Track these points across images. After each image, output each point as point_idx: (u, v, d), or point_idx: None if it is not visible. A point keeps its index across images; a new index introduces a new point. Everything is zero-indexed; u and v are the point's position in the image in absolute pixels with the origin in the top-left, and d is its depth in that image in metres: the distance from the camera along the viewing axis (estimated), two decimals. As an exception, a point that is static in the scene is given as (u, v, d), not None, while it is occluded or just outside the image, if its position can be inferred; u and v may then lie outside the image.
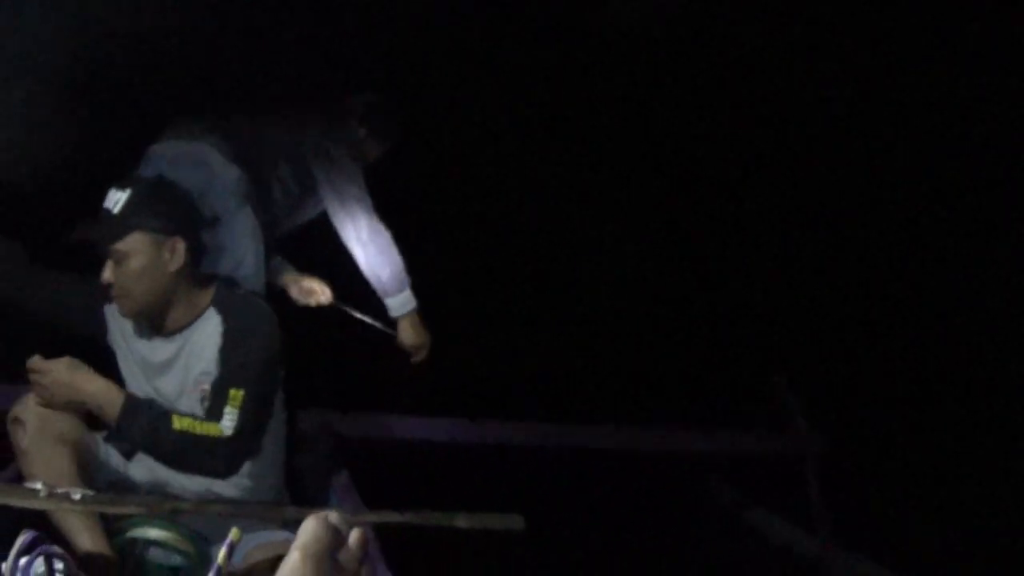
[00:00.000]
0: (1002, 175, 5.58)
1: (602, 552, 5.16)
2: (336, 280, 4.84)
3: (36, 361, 3.31)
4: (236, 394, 3.36)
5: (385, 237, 4.57)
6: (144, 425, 3.30)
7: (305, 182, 4.62)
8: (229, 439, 3.33)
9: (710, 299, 6.78)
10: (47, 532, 2.97)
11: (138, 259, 3.42)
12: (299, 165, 4.58)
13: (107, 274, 3.42)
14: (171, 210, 3.52)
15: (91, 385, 3.33)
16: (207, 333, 3.51)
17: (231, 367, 3.42)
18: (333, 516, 1.23)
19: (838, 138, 6.17)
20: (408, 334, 4.71)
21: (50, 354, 3.38)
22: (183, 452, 3.32)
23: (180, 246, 3.47)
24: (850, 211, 6.32)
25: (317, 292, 4.89)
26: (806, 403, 5.90)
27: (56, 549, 2.66)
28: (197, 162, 4.23)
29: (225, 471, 3.43)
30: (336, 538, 1.21)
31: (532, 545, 3.13)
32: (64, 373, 3.27)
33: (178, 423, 3.30)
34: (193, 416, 3.36)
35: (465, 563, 4.03)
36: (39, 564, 2.57)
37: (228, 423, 3.33)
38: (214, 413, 3.36)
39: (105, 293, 3.52)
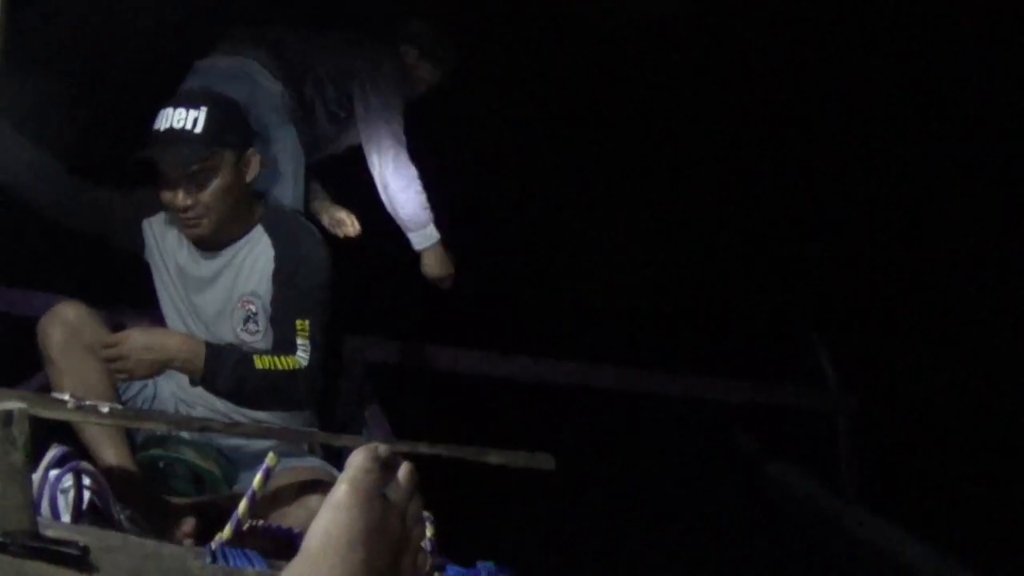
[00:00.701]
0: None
1: (623, 493, 5.15)
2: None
3: (107, 338, 3.19)
4: (303, 324, 3.32)
5: (410, 173, 4.53)
6: (229, 370, 3.22)
7: (349, 107, 4.57)
8: (307, 369, 3.29)
9: (750, 250, 6.74)
10: (74, 444, 2.97)
11: (224, 177, 3.34)
12: (344, 88, 4.53)
13: (183, 198, 3.32)
14: (242, 123, 3.47)
15: (172, 341, 3.23)
16: (255, 253, 3.46)
17: (290, 295, 3.38)
18: (383, 448, 1.19)
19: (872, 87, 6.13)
20: (430, 267, 4.69)
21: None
22: (268, 391, 3.27)
23: (255, 158, 3.43)
24: (892, 165, 6.26)
25: (347, 224, 4.86)
26: (840, 361, 5.87)
27: (86, 465, 2.62)
28: (241, 75, 4.20)
29: (306, 402, 3.43)
30: (385, 472, 1.17)
31: (557, 482, 3.07)
32: (140, 339, 3.16)
33: (259, 362, 3.23)
34: (270, 353, 3.30)
35: (489, 498, 4.01)
36: (68, 479, 2.53)
37: (303, 354, 3.29)
38: (285, 346, 3.31)
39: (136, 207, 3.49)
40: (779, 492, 5.94)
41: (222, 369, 3.20)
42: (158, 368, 3.21)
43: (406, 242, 4.66)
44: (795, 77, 6.28)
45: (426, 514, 1.57)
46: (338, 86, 4.55)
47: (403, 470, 1.20)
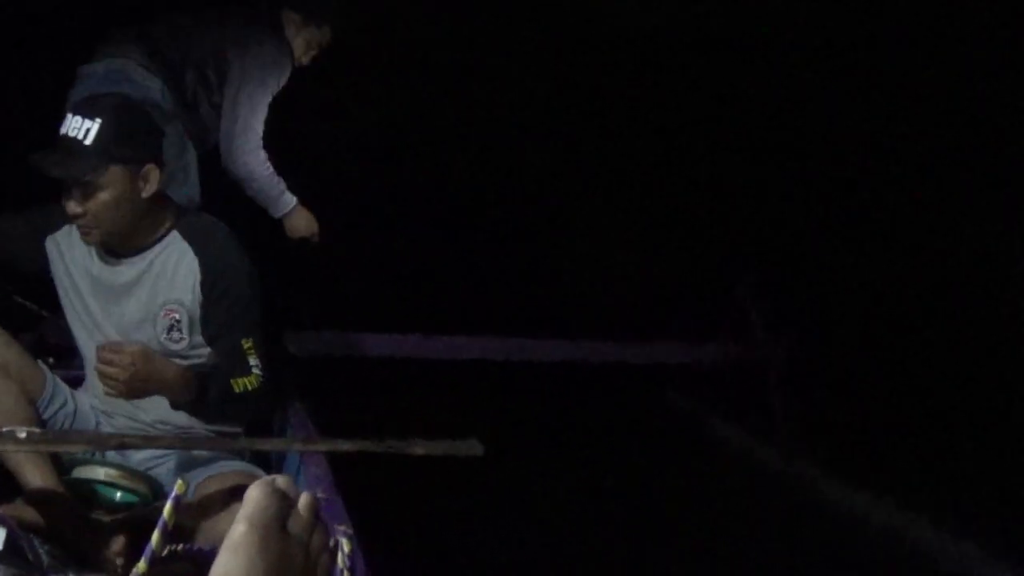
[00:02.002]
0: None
1: (560, 466, 5.15)
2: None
3: (110, 350, 3.15)
4: (249, 343, 3.34)
5: (260, 151, 4.58)
6: (215, 400, 3.30)
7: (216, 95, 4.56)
8: (266, 383, 3.35)
9: (671, 208, 6.75)
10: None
11: (112, 191, 3.24)
12: (225, 74, 4.50)
13: (74, 205, 3.24)
14: (142, 136, 3.33)
15: (169, 374, 3.24)
16: (174, 259, 3.38)
17: (231, 314, 3.36)
18: (281, 480, 1.17)
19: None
20: (296, 229, 4.78)
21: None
22: (243, 411, 3.42)
23: (154, 173, 3.31)
24: (815, 119, 6.29)
25: (306, 229, 4.84)
26: (767, 314, 5.89)
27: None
28: (120, 79, 4.20)
29: (267, 412, 3.57)
30: (284, 504, 1.15)
31: (489, 460, 3.06)
32: (143, 369, 3.13)
33: (236, 386, 3.30)
34: (239, 375, 3.33)
35: (420, 480, 3.99)
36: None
37: (258, 371, 3.33)
38: (241, 366, 3.32)
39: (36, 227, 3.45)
40: (715, 450, 5.97)
41: (209, 397, 3.28)
42: (146, 394, 3.24)
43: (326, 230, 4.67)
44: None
45: (344, 528, 1.55)
46: (219, 73, 4.53)
47: (303, 500, 1.18)
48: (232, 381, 3.29)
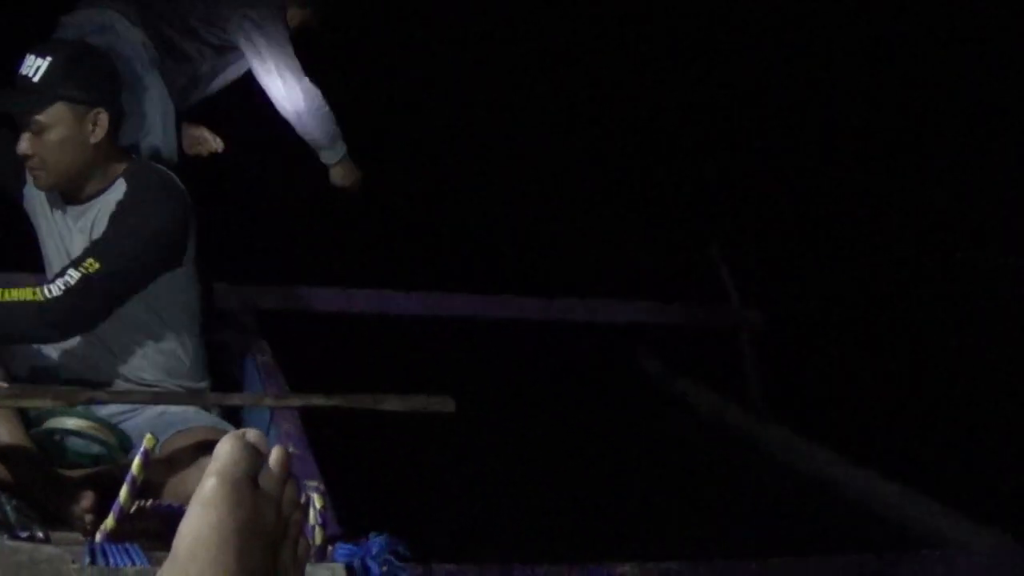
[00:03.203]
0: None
1: (530, 423, 5.14)
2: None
3: None
4: (91, 264, 3.14)
5: (317, 93, 4.57)
6: None
7: (222, 45, 4.52)
8: (50, 302, 3.09)
9: (645, 167, 6.74)
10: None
11: (59, 131, 3.25)
12: (213, 27, 4.46)
13: (24, 145, 3.25)
14: (94, 79, 3.34)
15: None
16: (110, 201, 3.36)
17: (106, 236, 3.26)
18: (251, 434, 1.13)
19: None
20: (342, 178, 4.75)
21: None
22: None
23: (103, 117, 3.31)
24: (796, 79, 6.30)
25: (208, 140, 4.77)
26: (740, 276, 5.88)
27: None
28: (102, 28, 4.16)
29: (47, 332, 3.23)
30: (255, 459, 1.11)
31: (460, 416, 3.05)
32: None
33: None
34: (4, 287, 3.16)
35: (391, 438, 3.99)
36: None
37: (58, 285, 3.11)
38: (58, 275, 3.16)
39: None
40: (686, 412, 5.96)
41: None
42: None
43: (292, 183, 4.64)
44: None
45: (315, 484, 1.53)
46: (208, 25, 4.48)
47: (274, 455, 1.14)
48: None
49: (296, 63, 4.51)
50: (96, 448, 3.25)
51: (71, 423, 3.25)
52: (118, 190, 3.36)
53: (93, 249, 3.22)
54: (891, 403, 5.23)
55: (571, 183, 6.71)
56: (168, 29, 4.36)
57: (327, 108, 4.59)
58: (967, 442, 4.82)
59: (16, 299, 3.09)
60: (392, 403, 3.02)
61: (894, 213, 5.76)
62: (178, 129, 4.38)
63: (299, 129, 4.60)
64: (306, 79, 4.53)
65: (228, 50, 4.53)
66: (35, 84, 3.23)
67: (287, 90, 4.51)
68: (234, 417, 3.59)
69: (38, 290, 3.11)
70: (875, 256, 5.82)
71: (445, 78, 6.42)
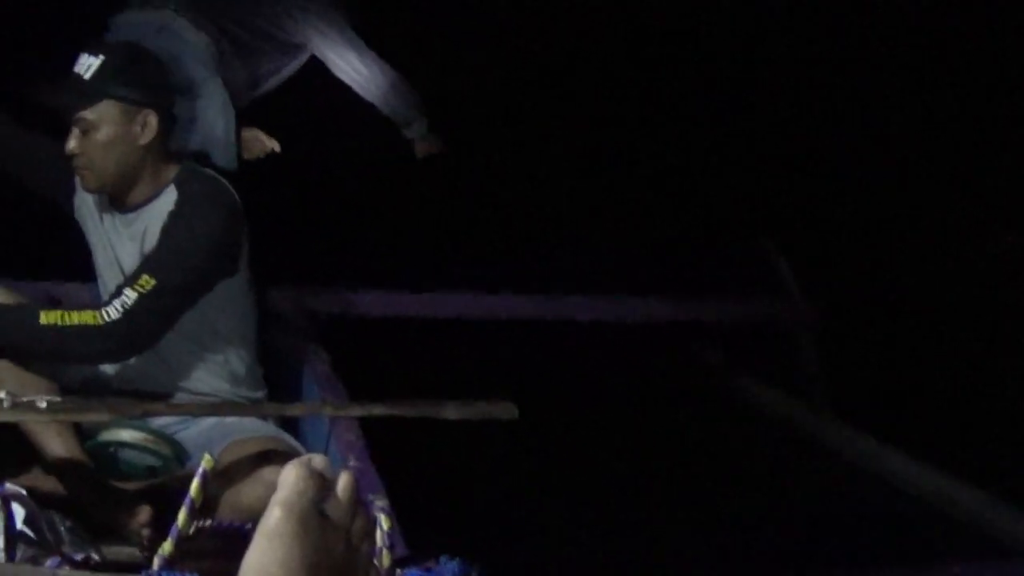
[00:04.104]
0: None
1: (595, 430, 5.08)
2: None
3: None
4: (147, 282, 3.13)
5: (392, 71, 4.58)
6: (12, 325, 3.13)
7: (285, 42, 4.48)
8: (110, 325, 3.09)
9: (700, 160, 6.66)
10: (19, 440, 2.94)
11: (106, 129, 3.23)
12: (278, 23, 4.43)
13: (72, 144, 3.24)
14: (145, 79, 3.33)
15: None
16: (161, 210, 3.33)
17: (159, 251, 3.24)
18: (317, 460, 1.06)
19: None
20: (424, 150, 4.76)
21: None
22: (55, 346, 3.13)
23: (152, 119, 3.28)
24: (850, 73, 6.20)
25: (263, 141, 4.74)
26: (799, 270, 5.79)
27: (12, 489, 2.51)
28: (163, 29, 4.11)
29: (109, 356, 3.27)
30: (321, 487, 1.05)
31: (523, 425, 3.00)
32: None
33: (45, 318, 3.08)
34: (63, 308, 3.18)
35: (453, 442, 3.93)
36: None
37: (116, 307, 3.10)
38: (114, 295, 3.15)
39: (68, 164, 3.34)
40: (749, 407, 5.88)
41: (4, 327, 3.12)
42: None
43: (346, 185, 4.62)
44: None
45: (380, 502, 1.46)
46: (276, 18, 4.44)
47: (342, 482, 1.08)
48: (43, 312, 3.11)
49: (364, 46, 4.52)
50: (151, 460, 3.23)
51: (126, 435, 3.22)
52: (168, 198, 3.32)
53: (147, 265, 3.19)
54: (962, 402, 5.13)
55: (626, 181, 6.63)
56: (233, 27, 4.33)
57: (404, 81, 4.60)
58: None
59: (76, 323, 3.09)
60: (453, 411, 3.00)
61: (961, 204, 5.64)
62: (237, 132, 4.34)
63: (384, 107, 4.60)
64: (377, 57, 4.54)
65: (291, 47, 4.51)
66: (86, 82, 3.23)
67: (368, 71, 4.51)
68: (292, 426, 3.54)
69: (97, 313, 3.10)
70: (943, 246, 5.71)
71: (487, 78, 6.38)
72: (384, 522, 2.04)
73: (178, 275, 3.19)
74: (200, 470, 1.95)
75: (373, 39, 4.68)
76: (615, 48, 6.61)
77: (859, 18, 6.08)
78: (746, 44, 6.53)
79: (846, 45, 6.20)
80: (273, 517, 1.00)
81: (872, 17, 6.04)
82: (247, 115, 4.56)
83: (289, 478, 1.03)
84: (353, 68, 4.48)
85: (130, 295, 3.09)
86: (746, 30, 6.46)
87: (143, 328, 3.15)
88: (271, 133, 4.73)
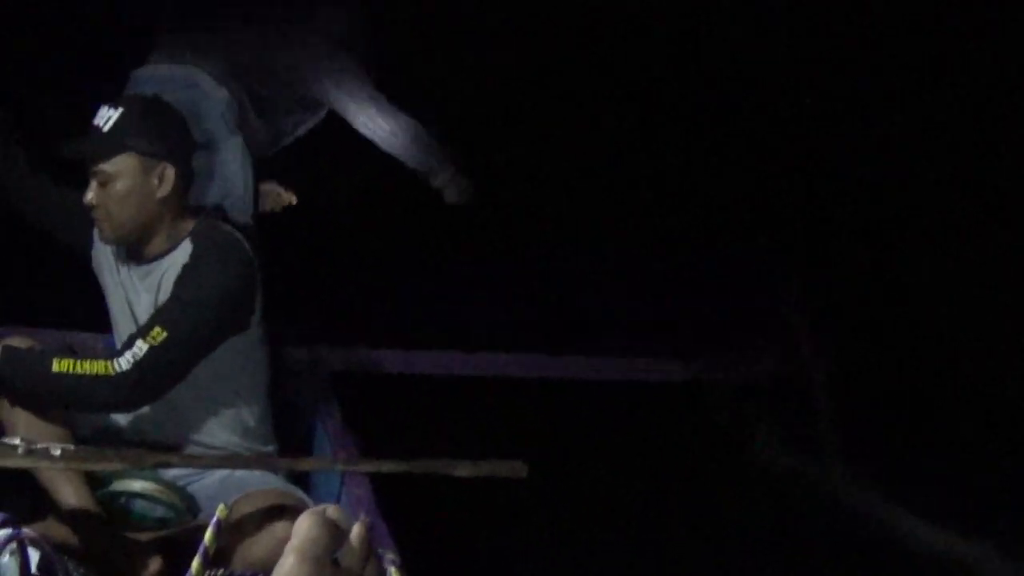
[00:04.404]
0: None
1: (604, 487, 5.08)
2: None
3: None
4: (158, 334, 3.14)
5: (415, 124, 4.56)
6: (24, 371, 3.14)
7: (306, 99, 4.51)
8: (119, 376, 3.11)
9: (709, 215, 6.66)
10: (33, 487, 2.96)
11: (124, 181, 3.26)
12: (301, 80, 4.47)
13: (90, 195, 3.28)
14: (163, 133, 3.36)
15: None
16: (176, 263, 3.35)
17: (171, 303, 3.25)
18: (331, 510, 1.09)
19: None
20: (454, 197, 4.70)
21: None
22: (66, 393, 3.14)
23: (169, 172, 3.31)
24: (863, 127, 6.21)
25: (281, 195, 4.78)
26: (812, 324, 5.81)
27: (29, 532, 2.51)
28: (187, 84, 4.14)
29: (119, 406, 3.28)
30: (336, 536, 1.07)
31: (532, 480, 3.00)
32: None
33: (58, 365, 3.09)
34: (75, 356, 3.16)
35: (464, 500, 3.93)
36: (7, 558, 2.41)
37: (127, 358, 3.11)
38: (126, 345, 3.17)
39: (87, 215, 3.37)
40: (760, 467, 5.88)
41: (17, 369, 3.14)
42: None
43: (363, 243, 4.64)
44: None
45: (390, 557, 1.47)
46: (299, 75, 4.47)
47: (355, 531, 1.10)
48: (55, 360, 3.11)
49: (385, 100, 4.52)
50: (162, 511, 3.23)
51: (137, 485, 3.23)
52: (184, 251, 3.35)
53: (159, 317, 3.21)
54: (980, 460, 5.12)
55: (633, 239, 6.64)
56: (254, 83, 4.36)
57: (426, 132, 4.58)
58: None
59: (88, 372, 3.10)
60: (463, 468, 3.00)
61: (980, 259, 5.65)
62: (255, 187, 4.37)
63: (409, 159, 4.58)
64: (398, 111, 4.54)
65: (311, 102, 4.54)
66: (104, 134, 3.27)
67: (390, 125, 4.51)
68: (303, 480, 3.55)
69: (109, 363, 3.11)
70: (956, 301, 5.71)
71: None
72: (394, 574, 2.06)
73: (189, 328, 3.20)
74: (214, 519, 1.97)
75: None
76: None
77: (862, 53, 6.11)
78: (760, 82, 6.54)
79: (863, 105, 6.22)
80: (287, 564, 1.02)
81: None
82: (266, 168, 4.60)
83: (304, 526, 1.05)
84: (375, 123, 4.50)
85: (141, 346, 3.11)
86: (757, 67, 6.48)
87: (153, 379, 3.16)
88: (288, 187, 4.77)
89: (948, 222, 5.85)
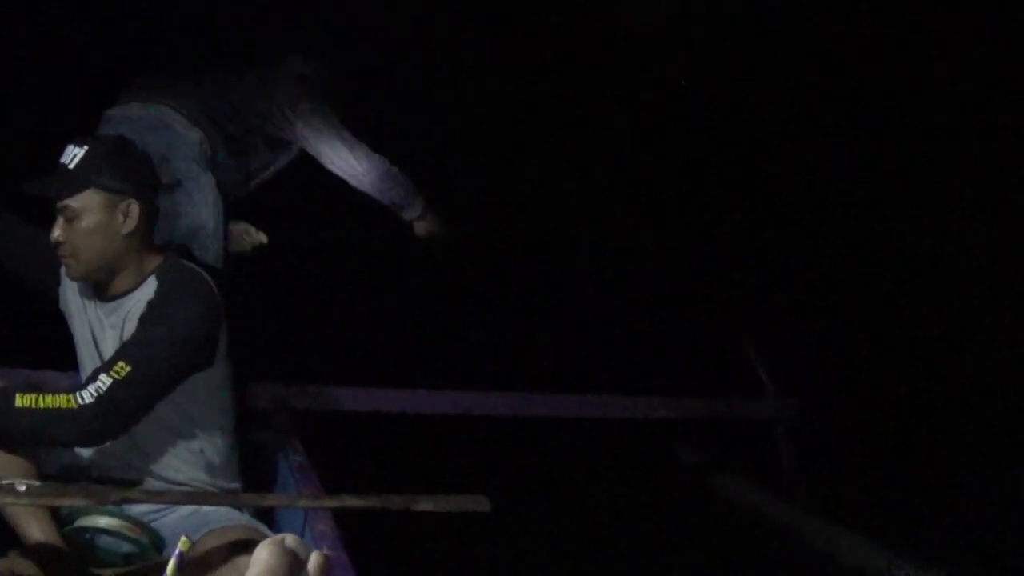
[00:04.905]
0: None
1: (566, 524, 5.09)
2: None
3: None
4: (122, 368, 3.15)
5: (377, 157, 4.68)
6: None
7: (278, 139, 4.56)
8: (81, 409, 3.10)
9: (677, 263, 6.70)
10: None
11: (90, 217, 3.29)
12: (272, 121, 4.52)
13: (57, 232, 3.30)
14: (128, 170, 3.37)
15: None
16: (141, 300, 3.36)
17: (136, 339, 3.26)
18: (290, 539, 1.12)
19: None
20: (424, 231, 4.88)
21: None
22: (29, 429, 3.11)
23: (134, 208, 3.33)
24: (825, 167, 6.26)
25: (252, 234, 4.81)
26: (775, 367, 5.84)
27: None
28: (159, 125, 4.21)
29: (82, 439, 3.25)
30: (294, 566, 1.10)
31: (496, 517, 3.02)
32: None
33: (20, 400, 3.08)
34: (35, 392, 3.14)
35: (427, 537, 3.95)
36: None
37: (90, 391, 3.12)
38: (89, 379, 3.17)
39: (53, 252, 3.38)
40: (726, 506, 5.90)
41: None
42: None
43: (323, 282, 4.66)
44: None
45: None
46: (270, 116, 4.56)
47: (313, 561, 1.13)
48: (18, 395, 3.09)
49: (355, 139, 4.63)
50: (127, 547, 3.22)
51: (103, 521, 3.21)
52: (150, 288, 3.37)
53: (123, 352, 3.21)
54: (941, 496, 5.15)
55: (601, 280, 6.67)
56: (229, 125, 4.40)
57: (391, 168, 4.69)
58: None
59: (50, 406, 3.09)
60: (426, 503, 3.00)
61: (934, 295, 5.69)
62: (225, 227, 4.39)
63: (379, 196, 4.71)
64: (360, 144, 4.64)
65: (282, 144, 4.59)
66: (70, 171, 3.29)
67: (360, 164, 4.62)
68: (267, 517, 3.56)
69: (71, 397, 3.11)
70: (918, 339, 5.75)
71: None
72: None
73: (153, 364, 3.20)
74: (176, 551, 1.98)
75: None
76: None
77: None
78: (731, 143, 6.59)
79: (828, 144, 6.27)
80: (247, 594, 1.04)
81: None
82: (234, 208, 4.63)
83: (262, 556, 1.08)
84: (345, 162, 4.58)
85: (105, 380, 3.12)
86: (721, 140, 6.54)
87: (116, 414, 3.15)
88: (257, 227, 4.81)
89: (910, 275, 5.90)
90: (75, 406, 3.10)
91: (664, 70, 6.47)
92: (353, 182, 4.65)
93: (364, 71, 5.11)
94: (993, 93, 5.46)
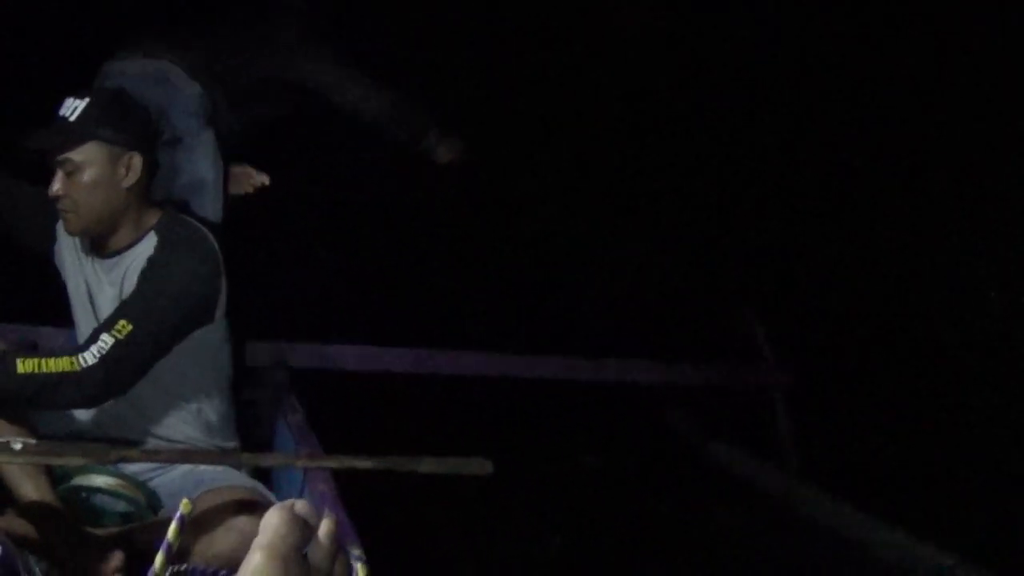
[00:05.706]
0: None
1: (564, 486, 5.09)
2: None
3: None
4: (123, 327, 3.13)
5: (389, 91, 4.57)
6: None
7: (283, 85, 4.50)
8: (85, 371, 3.08)
9: (676, 229, 6.68)
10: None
11: (91, 171, 3.25)
12: (275, 66, 4.45)
13: (57, 186, 3.25)
14: (129, 122, 3.33)
15: None
16: (141, 256, 3.33)
17: (136, 297, 3.23)
18: (299, 506, 1.08)
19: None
20: (445, 155, 4.73)
21: None
22: (33, 394, 3.09)
23: (136, 161, 3.30)
24: (826, 139, 6.23)
25: (253, 175, 4.75)
26: (774, 336, 5.82)
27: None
28: (159, 79, 4.12)
29: (85, 401, 3.21)
30: (304, 532, 1.06)
31: (498, 478, 3.00)
32: None
33: (22, 367, 3.05)
34: (38, 355, 3.13)
35: (426, 499, 3.94)
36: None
37: (92, 353, 3.09)
38: (90, 339, 3.14)
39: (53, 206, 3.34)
40: (720, 474, 5.89)
41: None
42: None
43: (327, 240, 4.62)
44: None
45: (357, 554, 1.46)
46: (273, 61, 4.45)
47: (324, 527, 1.09)
48: (20, 360, 3.06)
49: (360, 74, 4.54)
50: (123, 506, 3.21)
51: (99, 480, 3.20)
52: (149, 244, 3.33)
53: (124, 310, 3.19)
54: (933, 465, 5.14)
55: (602, 243, 6.65)
56: (231, 76, 4.34)
57: (405, 97, 4.61)
58: (1012, 507, 4.72)
59: (53, 370, 3.06)
60: (428, 465, 2.98)
61: (938, 271, 5.67)
62: (225, 180, 4.34)
63: (393, 125, 4.60)
64: (365, 78, 4.55)
65: (284, 90, 4.52)
66: (71, 124, 3.25)
67: (368, 93, 4.51)
68: (265, 477, 3.53)
69: (73, 359, 3.08)
70: (915, 310, 5.73)
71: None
72: (361, 571, 2.05)
73: (154, 321, 3.18)
74: (178, 514, 1.95)
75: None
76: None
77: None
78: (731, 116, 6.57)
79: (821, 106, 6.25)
80: (255, 560, 1.01)
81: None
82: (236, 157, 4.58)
83: (272, 522, 1.04)
84: (353, 95, 4.49)
85: (107, 340, 3.09)
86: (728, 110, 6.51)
87: (119, 373, 3.13)
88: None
89: (905, 245, 5.88)
90: (79, 369, 3.07)
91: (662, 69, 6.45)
92: (363, 115, 4.53)
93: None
94: (993, 93, 5.44)
